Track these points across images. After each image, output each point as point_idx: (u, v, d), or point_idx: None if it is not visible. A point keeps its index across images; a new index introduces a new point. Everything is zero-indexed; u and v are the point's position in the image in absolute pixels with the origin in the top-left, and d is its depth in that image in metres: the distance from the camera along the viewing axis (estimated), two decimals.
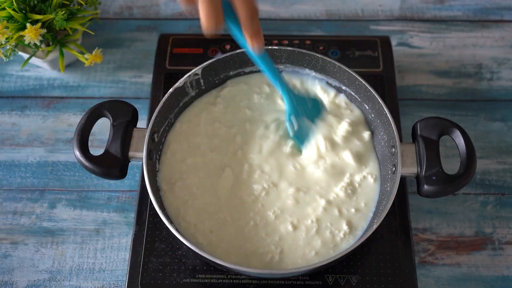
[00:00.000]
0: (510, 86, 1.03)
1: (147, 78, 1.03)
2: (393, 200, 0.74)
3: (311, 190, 0.81)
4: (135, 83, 1.03)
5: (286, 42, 1.01)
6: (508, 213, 0.90)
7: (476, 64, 1.05)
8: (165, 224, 0.73)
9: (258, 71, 0.90)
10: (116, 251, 0.87)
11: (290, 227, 0.78)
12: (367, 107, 0.85)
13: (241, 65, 0.89)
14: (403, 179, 0.86)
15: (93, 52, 0.95)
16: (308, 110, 0.84)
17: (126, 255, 0.86)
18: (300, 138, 0.84)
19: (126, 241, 0.88)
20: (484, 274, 0.85)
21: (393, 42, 1.07)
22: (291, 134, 0.83)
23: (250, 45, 0.72)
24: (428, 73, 1.04)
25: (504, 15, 1.12)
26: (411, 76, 1.04)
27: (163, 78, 0.96)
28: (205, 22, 0.66)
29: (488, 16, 1.12)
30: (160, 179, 0.82)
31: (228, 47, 1.00)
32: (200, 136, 0.86)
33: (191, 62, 0.95)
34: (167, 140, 0.85)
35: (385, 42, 1.01)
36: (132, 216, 0.89)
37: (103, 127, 0.96)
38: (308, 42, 1.00)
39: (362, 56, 0.99)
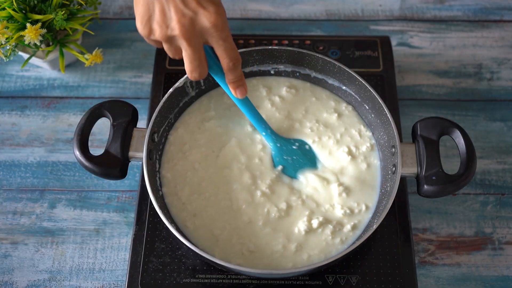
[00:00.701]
0: (510, 86, 1.03)
1: (147, 78, 1.03)
2: (393, 200, 0.74)
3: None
4: (135, 83, 1.03)
5: (286, 42, 1.01)
6: (508, 213, 0.90)
7: (476, 64, 1.05)
8: (165, 224, 0.73)
9: (260, 73, 0.91)
10: (116, 251, 0.87)
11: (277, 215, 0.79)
12: (367, 107, 0.85)
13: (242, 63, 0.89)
14: (403, 179, 0.86)
15: (93, 52, 0.95)
16: (294, 151, 0.83)
17: (126, 255, 0.86)
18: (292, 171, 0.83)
19: (126, 241, 0.88)
20: (484, 274, 0.85)
21: (393, 42, 1.07)
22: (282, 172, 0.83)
23: (233, 92, 0.76)
24: (428, 73, 1.04)
25: (504, 15, 1.12)
26: (411, 76, 1.04)
27: (163, 78, 0.97)
28: (189, 73, 0.70)
29: (488, 16, 1.12)
30: (163, 161, 0.84)
31: None
32: (214, 119, 0.87)
33: None
34: (174, 126, 0.86)
35: (385, 42, 1.01)
36: (132, 216, 0.89)
37: (103, 127, 0.96)
38: (308, 42, 1.01)
39: (362, 56, 0.99)
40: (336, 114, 0.87)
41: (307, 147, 0.84)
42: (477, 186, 0.92)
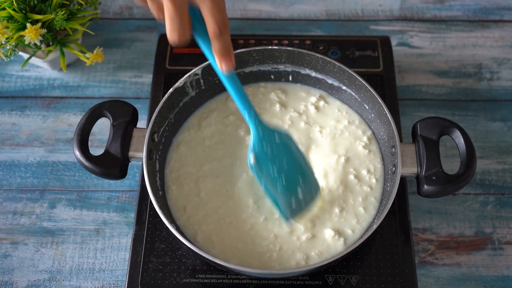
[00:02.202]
0: (510, 86, 1.03)
1: (147, 78, 1.03)
2: (393, 200, 0.74)
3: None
4: (135, 83, 1.03)
5: (286, 42, 1.01)
6: (508, 213, 0.90)
7: (476, 64, 1.05)
8: (165, 224, 0.73)
9: (260, 73, 0.91)
10: (116, 251, 0.87)
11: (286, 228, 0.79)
12: (367, 107, 0.85)
13: (240, 65, 0.89)
14: (403, 179, 0.86)
15: (94, 51, 0.95)
16: (275, 145, 0.75)
17: (126, 255, 0.86)
18: (264, 177, 0.75)
19: (126, 241, 0.88)
20: (484, 274, 0.85)
21: (393, 42, 1.07)
22: (252, 167, 0.75)
23: (218, 64, 0.67)
24: (428, 73, 1.04)
25: (504, 15, 1.12)
26: (411, 76, 1.04)
27: (163, 78, 0.97)
28: (169, 35, 0.63)
29: (488, 16, 1.12)
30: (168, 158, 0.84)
31: None
32: (216, 139, 0.86)
33: (191, 62, 0.95)
34: (174, 142, 0.86)
35: (385, 42, 1.01)
36: (132, 216, 0.89)
37: (103, 127, 0.96)
38: (308, 42, 1.01)
39: (362, 56, 0.99)
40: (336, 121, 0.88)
41: (292, 145, 0.78)
42: (477, 186, 0.92)
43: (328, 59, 0.86)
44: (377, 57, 0.99)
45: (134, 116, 0.81)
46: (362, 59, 0.99)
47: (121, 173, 0.78)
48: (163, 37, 1.01)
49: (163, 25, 0.64)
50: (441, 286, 0.84)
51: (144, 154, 0.78)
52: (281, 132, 0.77)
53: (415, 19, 1.12)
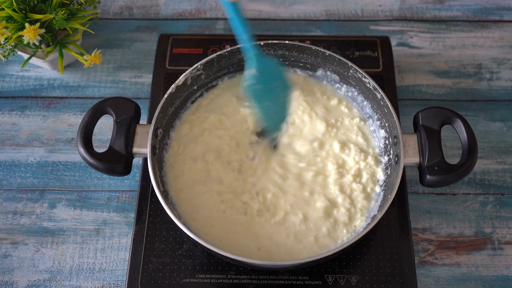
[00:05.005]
0: (510, 86, 1.03)
1: (147, 78, 1.03)
2: (395, 191, 0.74)
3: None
4: (135, 83, 1.03)
5: (286, 42, 1.01)
6: (508, 213, 0.90)
7: (475, 64, 1.06)
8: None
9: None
10: (116, 251, 0.87)
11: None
12: (368, 100, 0.86)
13: (242, 60, 0.89)
14: (402, 180, 0.86)
15: (93, 53, 0.95)
16: (272, 75, 0.80)
17: (126, 255, 0.86)
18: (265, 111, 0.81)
19: (126, 241, 0.88)
20: (484, 274, 0.85)
21: (393, 42, 1.07)
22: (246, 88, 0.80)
23: None
24: (428, 73, 1.04)
25: (503, 15, 1.12)
26: (410, 76, 1.04)
27: (163, 78, 0.97)
28: None
29: (487, 16, 1.12)
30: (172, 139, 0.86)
31: (227, 47, 1.00)
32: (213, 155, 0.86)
33: (191, 62, 0.95)
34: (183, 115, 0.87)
35: (385, 42, 1.01)
36: (132, 216, 0.89)
37: (102, 127, 0.96)
38: (308, 42, 1.01)
39: (361, 56, 0.99)
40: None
41: (286, 96, 0.82)
42: (477, 186, 0.92)
43: (329, 52, 0.87)
44: (377, 57, 0.99)
45: (136, 112, 0.82)
46: (361, 59, 0.99)
47: (126, 169, 0.78)
48: (163, 37, 1.01)
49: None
50: (441, 286, 0.84)
51: (148, 150, 0.78)
52: (274, 62, 0.81)
53: (415, 19, 1.12)
